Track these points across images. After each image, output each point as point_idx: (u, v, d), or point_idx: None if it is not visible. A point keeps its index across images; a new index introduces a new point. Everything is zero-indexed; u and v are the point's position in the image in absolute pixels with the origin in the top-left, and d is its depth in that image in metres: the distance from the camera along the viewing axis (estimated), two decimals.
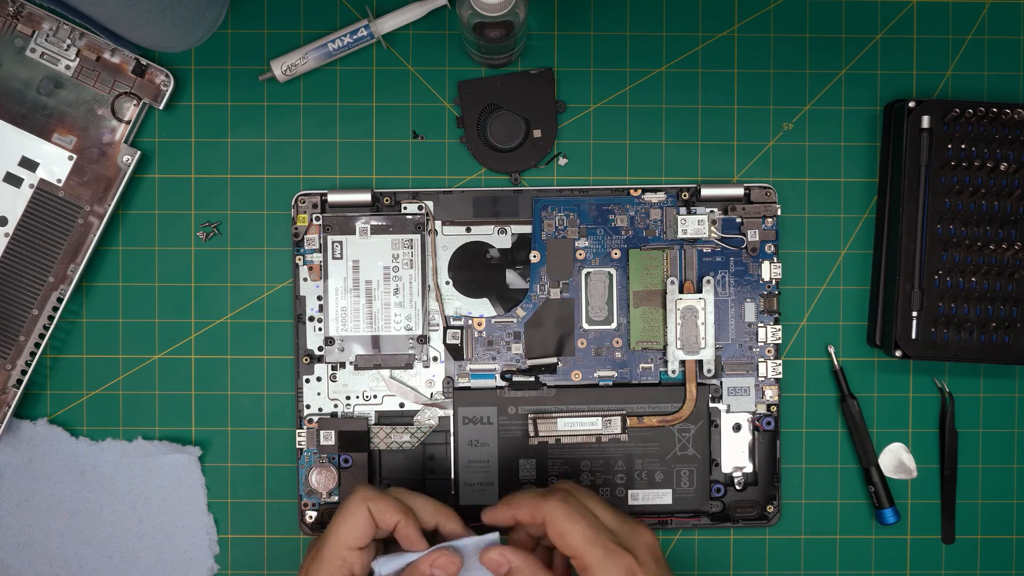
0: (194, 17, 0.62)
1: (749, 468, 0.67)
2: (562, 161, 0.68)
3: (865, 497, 0.68)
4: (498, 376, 0.67)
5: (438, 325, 0.67)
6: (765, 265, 0.67)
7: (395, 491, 0.58)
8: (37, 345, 0.66)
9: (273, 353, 0.68)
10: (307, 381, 0.66)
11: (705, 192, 0.66)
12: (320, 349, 0.66)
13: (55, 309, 0.65)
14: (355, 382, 0.66)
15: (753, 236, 0.67)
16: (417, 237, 0.66)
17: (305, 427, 0.66)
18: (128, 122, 0.66)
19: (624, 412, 0.66)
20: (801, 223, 0.68)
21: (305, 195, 0.66)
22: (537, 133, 0.67)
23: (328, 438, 0.66)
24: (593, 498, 0.57)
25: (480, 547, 0.56)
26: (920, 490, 0.68)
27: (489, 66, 0.66)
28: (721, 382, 0.67)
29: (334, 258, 0.66)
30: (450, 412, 0.67)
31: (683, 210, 0.67)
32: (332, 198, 0.66)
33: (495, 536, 0.57)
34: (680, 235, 0.66)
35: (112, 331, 0.68)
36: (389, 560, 0.56)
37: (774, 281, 0.67)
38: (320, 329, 0.66)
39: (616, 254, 0.67)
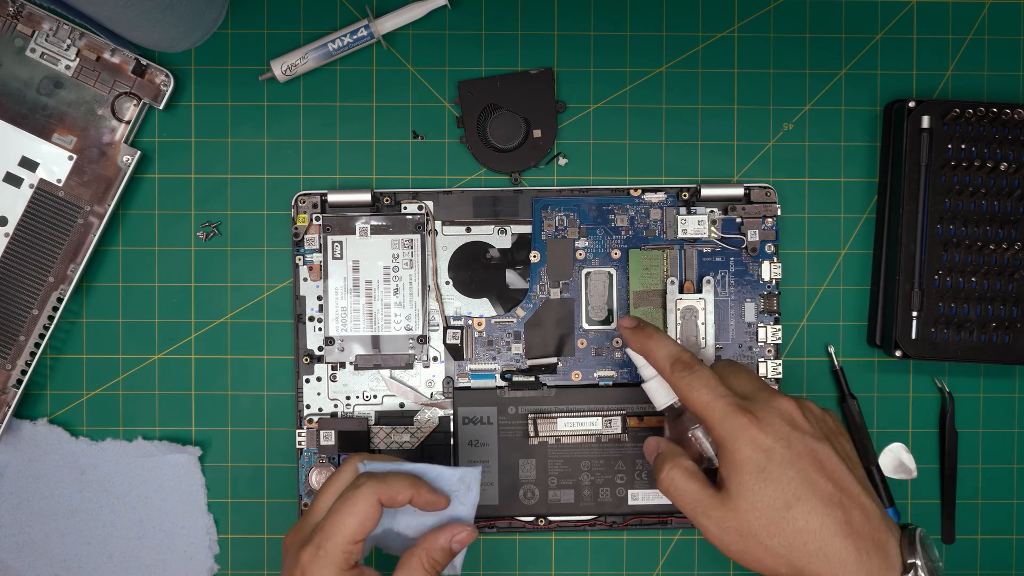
0: (194, 17, 0.62)
1: None
2: (562, 161, 0.68)
3: None
4: (498, 376, 0.67)
5: (438, 325, 0.67)
6: (765, 265, 0.67)
7: (387, 461, 0.57)
8: (37, 345, 0.66)
9: (273, 353, 0.68)
10: (307, 381, 0.66)
11: (705, 192, 0.66)
12: (320, 349, 0.66)
13: (55, 309, 0.65)
14: (355, 382, 0.66)
15: (753, 236, 0.67)
16: (417, 237, 0.66)
17: (305, 427, 0.66)
18: (128, 122, 0.66)
19: (624, 412, 0.66)
20: (801, 223, 0.68)
21: (305, 195, 0.66)
22: (537, 133, 0.67)
23: (328, 438, 0.66)
24: (737, 371, 0.58)
25: (465, 479, 0.56)
26: (920, 490, 0.68)
27: None
28: None
29: (334, 258, 0.66)
30: (450, 412, 0.67)
31: (683, 210, 0.66)
32: (332, 198, 0.66)
33: (477, 471, 0.57)
34: (680, 235, 0.66)
35: (112, 331, 0.68)
36: (394, 518, 0.56)
37: (774, 281, 0.67)
38: (320, 329, 0.66)
39: (616, 254, 0.67)
